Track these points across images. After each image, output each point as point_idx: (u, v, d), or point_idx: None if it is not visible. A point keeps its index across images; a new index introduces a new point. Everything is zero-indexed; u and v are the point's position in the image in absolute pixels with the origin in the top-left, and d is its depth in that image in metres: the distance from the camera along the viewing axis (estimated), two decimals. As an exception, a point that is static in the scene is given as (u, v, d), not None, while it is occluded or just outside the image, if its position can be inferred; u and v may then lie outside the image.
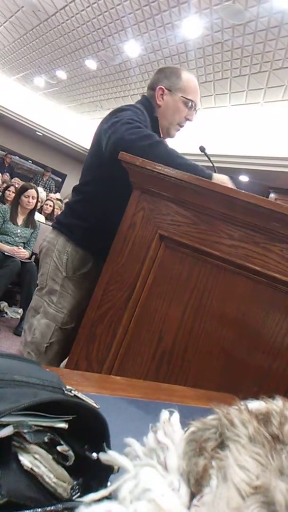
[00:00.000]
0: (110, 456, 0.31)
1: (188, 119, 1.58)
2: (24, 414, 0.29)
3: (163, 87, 1.53)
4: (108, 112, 1.49)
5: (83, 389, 0.56)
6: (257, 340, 0.99)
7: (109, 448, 0.33)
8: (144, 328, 1.11)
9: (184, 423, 0.35)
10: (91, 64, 7.16)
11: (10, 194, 4.74)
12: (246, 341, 1.01)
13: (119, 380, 0.76)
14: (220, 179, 1.32)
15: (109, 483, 0.32)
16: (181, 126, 1.60)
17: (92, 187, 1.47)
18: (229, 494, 0.25)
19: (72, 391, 0.34)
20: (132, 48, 5.93)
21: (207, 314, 1.05)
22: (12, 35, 7.35)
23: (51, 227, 1.54)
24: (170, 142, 1.45)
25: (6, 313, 3.59)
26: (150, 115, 1.50)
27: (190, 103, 1.54)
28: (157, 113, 1.54)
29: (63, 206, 7.05)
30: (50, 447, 0.31)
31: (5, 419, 0.28)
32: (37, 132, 11.30)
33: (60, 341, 1.41)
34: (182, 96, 1.52)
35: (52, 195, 7.95)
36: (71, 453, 0.32)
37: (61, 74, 8.32)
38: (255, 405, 0.35)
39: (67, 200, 8.09)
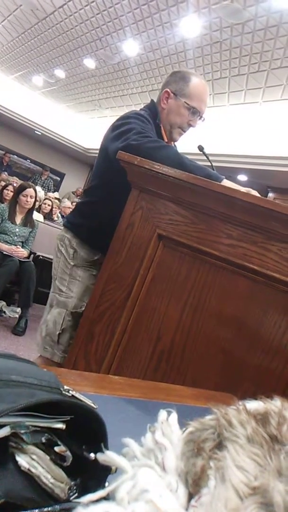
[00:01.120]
0: (108, 456, 0.31)
1: (191, 125, 1.58)
2: (21, 415, 0.29)
3: (169, 90, 1.56)
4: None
5: (81, 388, 0.56)
6: (255, 339, 0.99)
7: (107, 448, 0.32)
8: (142, 328, 1.11)
9: (182, 423, 0.35)
10: (89, 63, 7.15)
11: (8, 193, 4.73)
12: (244, 340, 1.01)
13: (117, 380, 0.76)
14: (229, 185, 1.33)
15: (107, 484, 0.32)
16: (184, 130, 1.60)
17: (98, 191, 1.55)
18: (227, 495, 0.25)
19: (70, 391, 0.33)
20: (131, 47, 5.92)
21: (206, 313, 1.05)
22: (10, 33, 7.33)
23: (63, 226, 1.67)
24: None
25: (4, 312, 3.58)
26: (153, 121, 1.53)
27: (192, 110, 1.55)
28: (161, 116, 1.57)
29: (61, 204, 7.06)
30: (47, 447, 0.31)
31: (2, 420, 0.28)
32: (35, 131, 11.27)
33: (71, 326, 1.47)
34: (185, 102, 1.53)
35: (50, 194, 7.96)
36: (68, 453, 0.32)
37: (60, 73, 8.30)
38: (254, 405, 0.35)
39: (65, 199, 8.11)
